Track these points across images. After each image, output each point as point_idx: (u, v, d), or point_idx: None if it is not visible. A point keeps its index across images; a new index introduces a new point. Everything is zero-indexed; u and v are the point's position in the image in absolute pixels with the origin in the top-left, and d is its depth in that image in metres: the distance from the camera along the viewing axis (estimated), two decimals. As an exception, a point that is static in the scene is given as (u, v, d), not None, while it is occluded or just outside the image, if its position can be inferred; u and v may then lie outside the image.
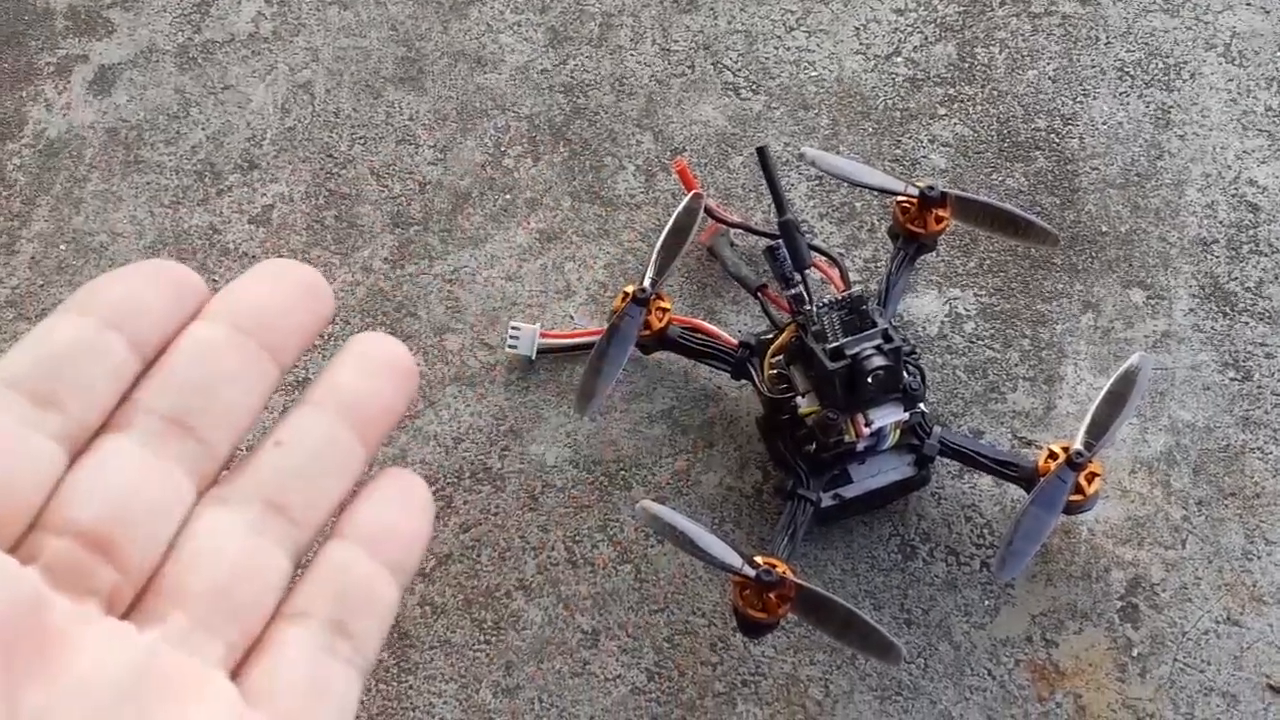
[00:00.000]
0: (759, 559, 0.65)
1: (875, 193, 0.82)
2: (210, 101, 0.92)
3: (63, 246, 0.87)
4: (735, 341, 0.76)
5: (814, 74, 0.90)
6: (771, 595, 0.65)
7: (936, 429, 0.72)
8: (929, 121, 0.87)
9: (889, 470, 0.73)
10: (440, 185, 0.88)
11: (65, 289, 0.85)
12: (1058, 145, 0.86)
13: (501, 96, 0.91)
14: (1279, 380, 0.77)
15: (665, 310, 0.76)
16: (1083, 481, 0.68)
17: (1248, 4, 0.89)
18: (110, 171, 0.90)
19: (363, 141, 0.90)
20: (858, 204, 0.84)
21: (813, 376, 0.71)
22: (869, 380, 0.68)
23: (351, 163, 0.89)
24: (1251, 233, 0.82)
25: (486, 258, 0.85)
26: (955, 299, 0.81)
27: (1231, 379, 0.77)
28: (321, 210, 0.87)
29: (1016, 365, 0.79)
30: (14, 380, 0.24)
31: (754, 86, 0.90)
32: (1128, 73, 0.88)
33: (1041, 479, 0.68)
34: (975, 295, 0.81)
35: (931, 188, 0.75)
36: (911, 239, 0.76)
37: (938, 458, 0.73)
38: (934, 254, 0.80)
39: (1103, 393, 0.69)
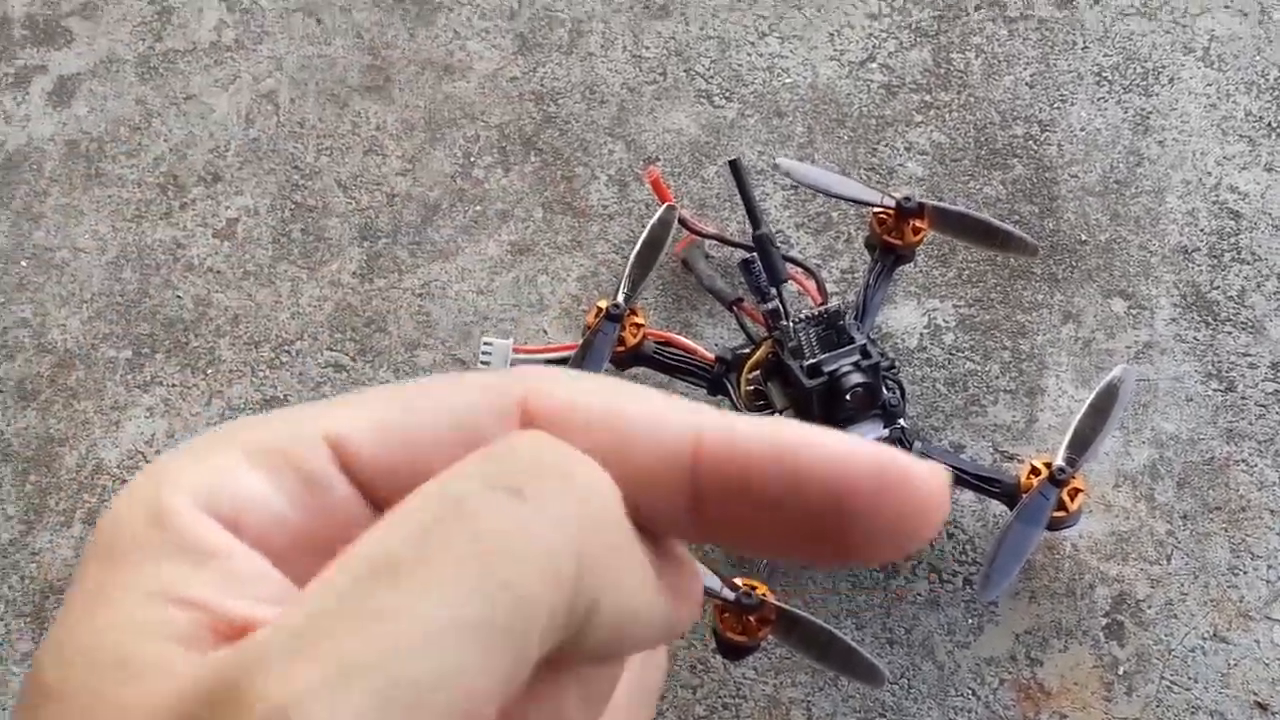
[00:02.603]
0: (739, 581, 0.64)
1: (852, 204, 0.81)
2: (172, 112, 0.90)
3: (24, 263, 0.85)
4: (712, 356, 0.75)
5: (788, 81, 0.88)
6: (751, 618, 0.64)
7: (917, 444, 0.71)
8: (905, 129, 0.86)
9: (869, 487, 0.71)
10: (409, 197, 0.86)
11: (27, 306, 0.83)
12: (1036, 152, 0.85)
13: (470, 105, 0.89)
14: (1263, 391, 0.76)
15: (640, 325, 0.75)
16: (1066, 497, 0.67)
17: (1226, 7, 0.89)
18: (71, 185, 0.88)
19: (329, 152, 0.88)
20: (834, 214, 0.83)
21: (790, 393, 0.70)
22: (847, 398, 0.67)
23: (318, 174, 0.87)
24: (1233, 240, 0.81)
25: (457, 271, 0.83)
26: (934, 310, 0.80)
27: (1215, 390, 0.77)
28: (287, 223, 0.85)
29: (997, 378, 0.78)
30: None
31: (727, 94, 0.88)
32: (1106, 78, 0.87)
33: (1024, 496, 0.67)
34: (954, 306, 0.80)
35: (908, 198, 0.73)
36: (889, 250, 0.75)
37: (919, 474, 0.71)
38: (912, 265, 0.79)
39: (1085, 406, 0.68)
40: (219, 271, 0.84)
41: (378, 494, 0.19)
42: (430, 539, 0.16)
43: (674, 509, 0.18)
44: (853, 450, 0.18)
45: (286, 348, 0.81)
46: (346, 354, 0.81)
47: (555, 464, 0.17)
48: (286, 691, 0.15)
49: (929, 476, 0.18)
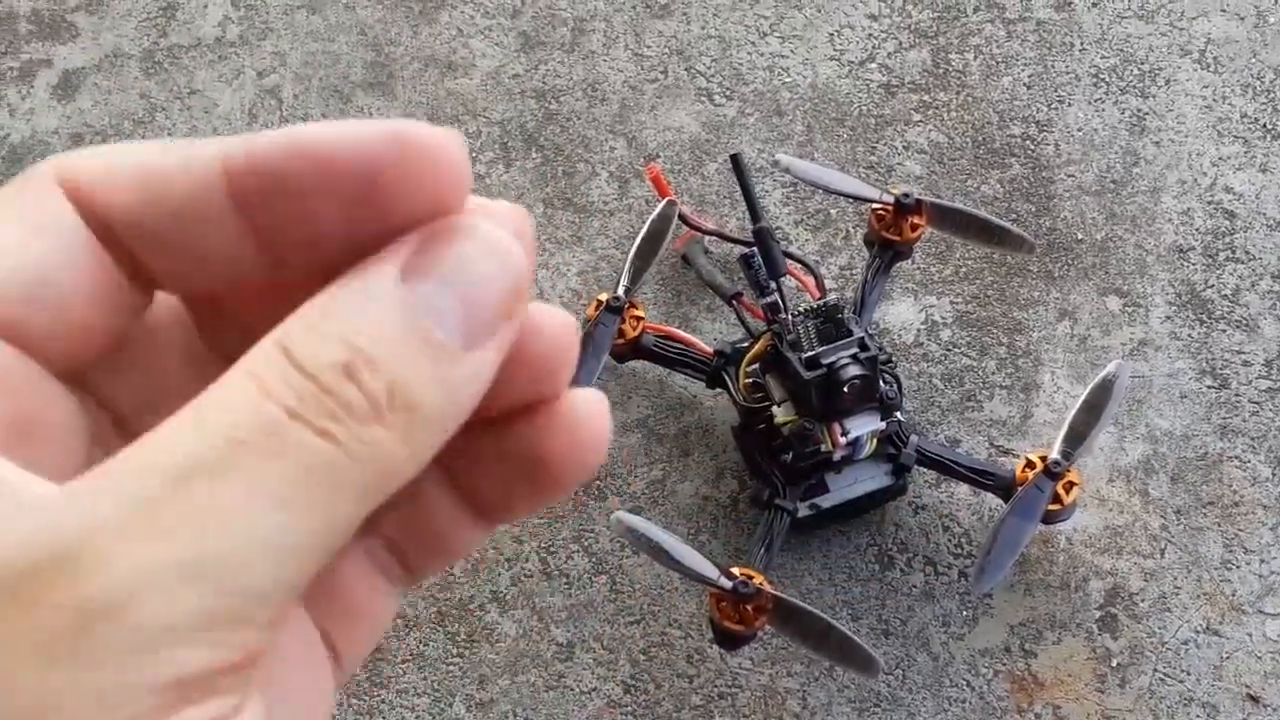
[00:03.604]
0: (735, 570, 0.64)
1: (851, 200, 0.81)
2: (176, 106, 0.91)
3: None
4: (710, 350, 0.75)
5: (788, 80, 0.89)
6: (748, 607, 0.64)
7: (913, 438, 0.72)
8: (904, 128, 0.87)
9: (866, 480, 0.72)
10: (411, 192, 0.86)
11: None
12: (1033, 152, 0.85)
13: (473, 102, 0.89)
14: (1256, 388, 0.77)
15: (639, 318, 0.75)
16: (1061, 491, 0.67)
17: (1222, 10, 0.89)
18: (74, 178, 0.88)
19: (332, 147, 0.88)
20: (833, 211, 0.84)
21: (789, 385, 0.70)
22: (845, 390, 0.67)
23: (321, 169, 0.87)
24: (1228, 240, 0.82)
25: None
26: (931, 307, 0.81)
27: (1209, 387, 0.77)
28: (290, 217, 0.86)
29: (993, 373, 0.78)
30: None
31: (728, 92, 0.89)
32: (1103, 79, 0.88)
33: (1019, 488, 0.68)
34: (951, 303, 0.81)
35: (907, 195, 0.74)
36: (887, 246, 0.76)
37: (915, 467, 0.72)
38: (910, 261, 0.80)
39: (1080, 401, 0.68)
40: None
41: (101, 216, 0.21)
42: (246, 453, 0.18)
43: (224, 233, 0.20)
44: (368, 126, 0.19)
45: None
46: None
47: (362, 399, 0.19)
48: (123, 575, 0.17)
49: (442, 134, 0.19)
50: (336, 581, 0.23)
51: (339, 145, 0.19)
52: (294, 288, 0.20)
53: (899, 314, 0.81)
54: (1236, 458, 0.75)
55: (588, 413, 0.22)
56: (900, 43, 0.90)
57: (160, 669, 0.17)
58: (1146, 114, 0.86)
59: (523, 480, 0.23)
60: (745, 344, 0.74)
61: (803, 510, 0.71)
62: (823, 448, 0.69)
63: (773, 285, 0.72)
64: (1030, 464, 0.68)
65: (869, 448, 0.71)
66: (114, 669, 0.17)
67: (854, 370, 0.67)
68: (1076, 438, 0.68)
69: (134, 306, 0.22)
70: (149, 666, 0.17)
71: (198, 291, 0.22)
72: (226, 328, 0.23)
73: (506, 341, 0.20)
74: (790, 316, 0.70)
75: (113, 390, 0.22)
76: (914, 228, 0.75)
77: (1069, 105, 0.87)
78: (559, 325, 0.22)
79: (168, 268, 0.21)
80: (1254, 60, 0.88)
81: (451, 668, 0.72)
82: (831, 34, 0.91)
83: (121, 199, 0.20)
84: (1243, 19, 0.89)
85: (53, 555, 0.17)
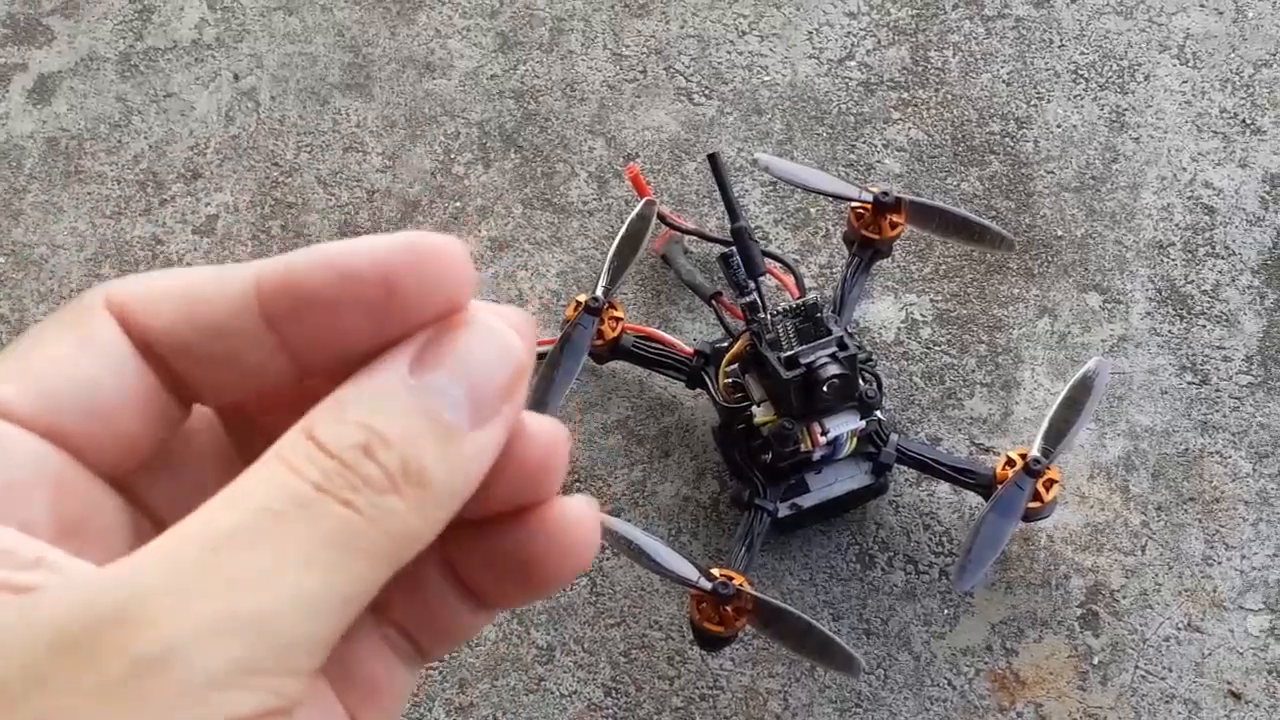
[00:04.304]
0: (716, 571, 0.64)
1: (830, 199, 0.81)
2: (153, 110, 0.90)
3: (2, 259, 0.85)
4: (690, 350, 0.75)
5: (767, 79, 0.89)
6: (728, 608, 0.64)
7: (894, 437, 0.72)
8: (883, 126, 0.87)
9: (846, 479, 0.72)
10: (389, 193, 0.86)
11: (5, 302, 0.83)
12: (1012, 149, 0.85)
13: (451, 103, 0.89)
14: (1236, 384, 0.77)
15: (619, 319, 0.75)
16: (1041, 488, 0.67)
17: (1201, 6, 0.89)
18: (50, 182, 0.88)
19: (309, 149, 0.88)
20: (813, 209, 0.84)
21: (768, 385, 0.70)
22: (824, 389, 0.67)
23: (298, 171, 0.87)
24: (1208, 235, 0.82)
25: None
26: (911, 305, 0.80)
27: (1189, 383, 0.77)
28: (267, 220, 0.86)
29: (973, 371, 0.78)
30: None
31: (707, 91, 0.89)
32: (1082, 75, 0.88)
33: (1000, 486, 0.67)
34: (931, 301, 0.80)
35: (886, 193, 0.74)
36: (866, 245, 0.76)
37: (895, 466, 0.72)
38: (889, 259, 0.79)
39: (1060, 398, 0.68)
40: (199, 267, 0.84)
41: (154, 346, 0.23)
42: (277, 523, 0.20)
43: (257, 347, 0.22)
44: (384, 239, 0.22)
45: (266, 343, 0.81)
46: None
47: (380, 475, 0.21)
48: (173, 629, 0.19)
49: (442, 239, 0.22)
50: (356, 662, 0.25)
51: (360, 258, 0.22)
52: (318, 392, 0.22)
53: (879, 312, 0.80)
54: (1217, 453, 0.75)
55: (576, 519, 0.24)
56: (879, 40, 0.90)
57: (209, 712, 0.19)
58: (1126, 110, 0.86)
59: (513, 578, 0.25)
60: (725, 344, 0.74)
61: (783, 510, 0.71)
62: (802, 447, 0.69)
63: (752, 285, 0.72)
64: (1010, 462, 0.68)
65: (849, 447, 0.71)
66: (167, 712, 0.19)
67: (833, 369, 0.67)
68: (1057, 435, 0.68)
69: (174, 419, 0.24)
70: (199, 710, 0.19)
71: (231, 402, 0.25)
72: (256, 434, 0.25)
73: (509, 421, 0.22)
74: (769, 316, 0.70)
75: (153, 494, 0.25)
76: (893, 226, 0.75)
77: (1048, 102, 0.87)
78: (550, 432, 0.24)
79: (205, 381, 0.23)
80: (1233, 55, 0.88)
81: (431, 672, 0.71)
82: (810, 32, 0.90)
83: (164, 321, 0.23)
84: (1221, 14, 0.89)
85: (107, 614, 0.19)
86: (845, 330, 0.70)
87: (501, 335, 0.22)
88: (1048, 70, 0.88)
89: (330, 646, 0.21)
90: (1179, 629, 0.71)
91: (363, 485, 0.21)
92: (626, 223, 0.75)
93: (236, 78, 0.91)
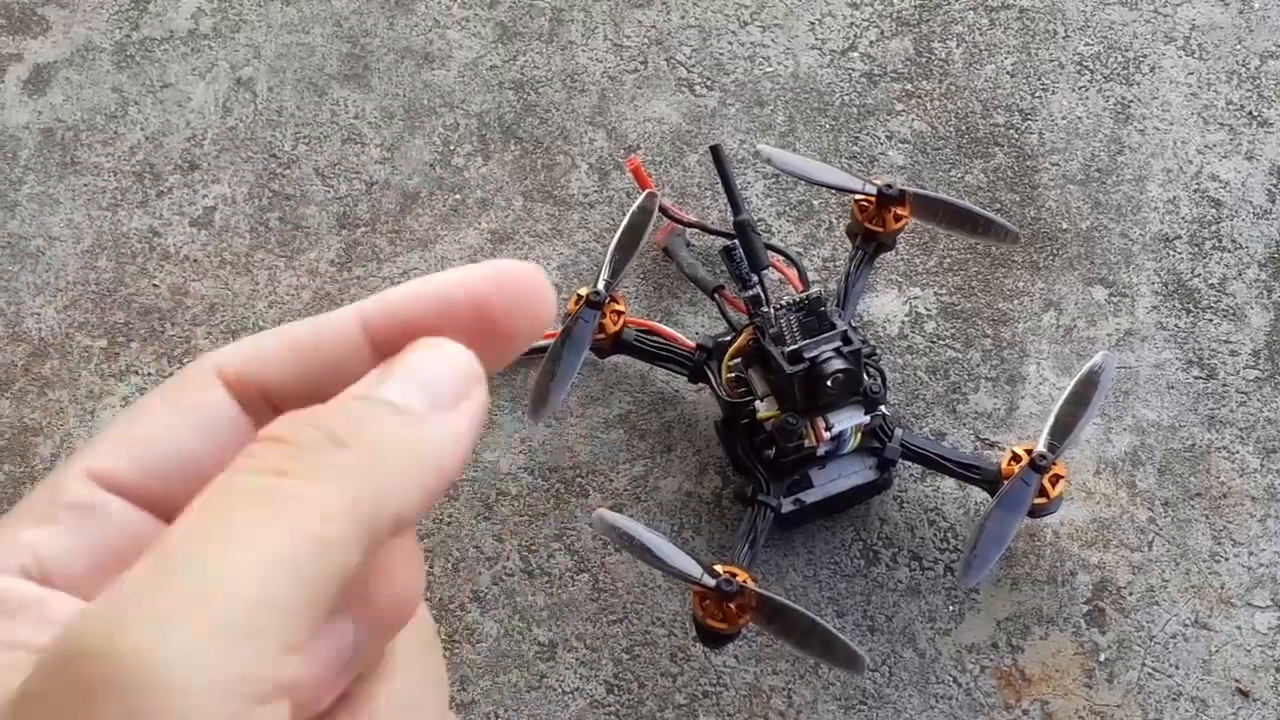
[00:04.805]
0: (719, 568, 0.63)
1: (833, 191, 0.81)
2: (149, 100, 0.89)
3: (-4, 252, 0.84)
4: (692, 344, 0.74)
5: (769, 70, 0.88)
6: (732, 605, 0.63)
7: (898, 431, 0.71)
8: (886, 118, 0.86)
9: (850, 474, 0.71)
10: (388, 185, 0.85)
11: (1, 294, 0.83)
12: (1017, 141, 0.84)
13: (450, 94, 0.88)
14: (1244, 379, 0.76)
15: (620, 313, 0.74)
16: (1047, 484, 0.67)
17: (1206, -3, 0.89)
18: (46, 173, 0.87)
19: (307, 141, 0.87)
20: (815, 202, 0.83)
21: (771, 380, 0.69)
22: (829, 384, 0.66)
23: (296, 163, 0.86)
24: (1214, 228, 0.81)
25: (436, 259, 0.82)
26: (915, 298, 0.80)
27: (1196, 377, 0.76)
28: (265, 212, 0.85)
29: (978, 365, 0.78)
30: None
31: (708, 83, 0.88)
32: (1087, 67, 0.87)
33: (1005, 482, 0.67)
34: (936, 294, 0.80)
35: (890, 185, 0.73)
36: (870, 238, 0.75)
37: (900, 461, 0.71)
38: (893, 253, 0.79)
39: (1066, 393, 0.68)
40: (195, 260, 0.83)
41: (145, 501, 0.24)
42: (219, 518, 0.20)
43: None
44: (474, 269, 0.24)
45: (264, 336, 0.81)
46: (325, 342, 0.80)
47: (316, 438, 0.21)
48: (145, 633, 0.19)
49: (526, 267, 0.24)
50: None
51: (455, 287, 0.24)
52: None
53: (883, 306, 0.80)
54: (1224, 448, 0.74)
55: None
56: (882, 31, 0.89)
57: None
58: (1131, 102, 0.85)
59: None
60: (728, 338, 0.73)
61: (787, 506, 0.70)
62: (806, 442, 0.68)
63: (755, 278, 0.71)
64: (1016, 457, 0.68)
65: (853, 442, 0.70)
66: None
67: (837, 364, 0.66)
68: (1063, 430, 0.67)
69: None
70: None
71: None
72: None
73: (472, 417, 0.23)
74: (773, 310, 0.69)
75: None
76: (897, 218, 0.74)
77: (1053, 93, 0.86)
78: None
79: None
80: (1239, 46, 0.87)
81: (432, 669, 0.71)
82: (813, 22, 0.89)
83: (279, 377, 0.24)
84: (1227, 4, 0.88)
85: (86, 642, 0.19)
86: (849, 324, 0.69)
87: (446, 346, 0.24)
88: (1052, 62, 0.87)
89: (322, 607, 0.20)
90: (1186, 626, 0.70)
91: (300, 451, 0.21)
92: (628, 215, 0.75)
93: (234, 68, 0.90)
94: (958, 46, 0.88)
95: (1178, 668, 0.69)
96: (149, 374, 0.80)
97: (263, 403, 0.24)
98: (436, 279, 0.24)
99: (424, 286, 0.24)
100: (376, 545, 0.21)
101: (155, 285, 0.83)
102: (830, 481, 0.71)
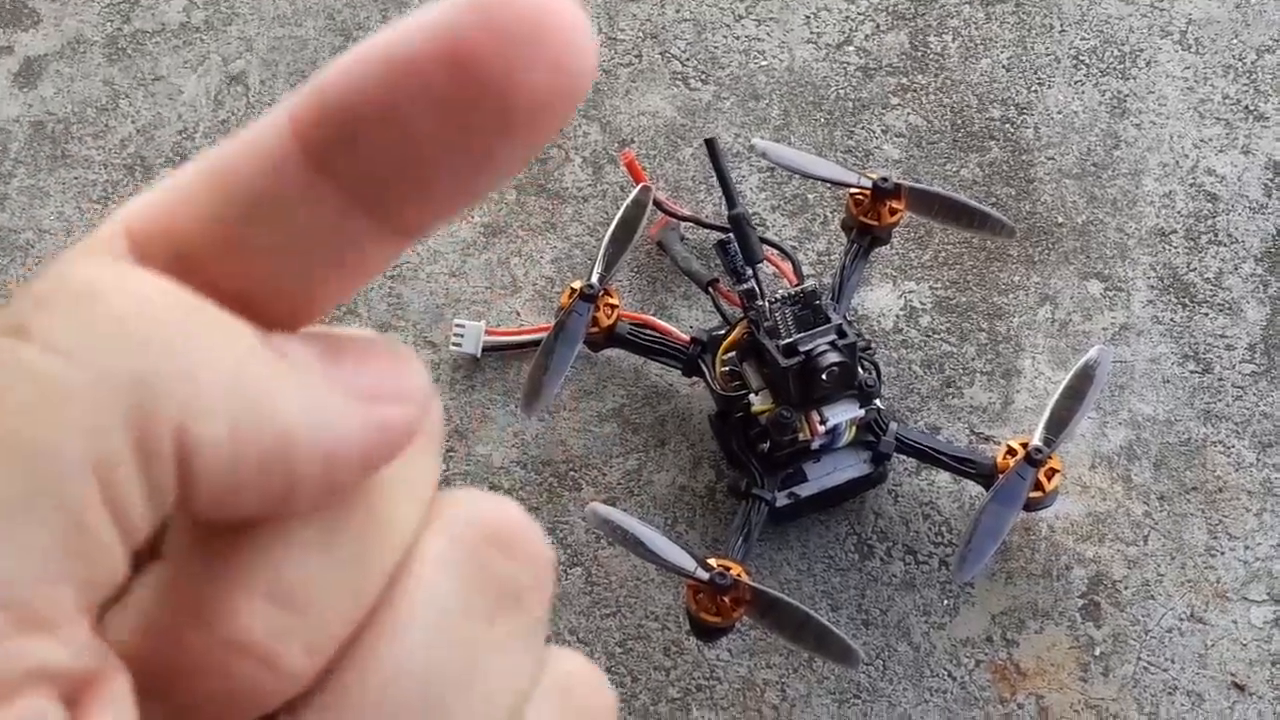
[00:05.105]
0: (712, 561, 0.63)
1: (828, 185, 0.80)
2: (140, 93, 0.89)
3: (-14, 245, 0.84)
4: (686, 338, 0.74)
5: (764, 63, 0.88)
6: (725, 599, 0.63)
7: (893, 425, 0.71)
8: (881, 112, 0.85)
9: (845, 468, 0.71)
10: (381, 179, 0.85)
11: (-10, 289, 0.82)
12: (1012, 135, 0.84)
13: (444, 87, 0.88)
14: (1240, 373, 0.76)
15: (614, 306, 0.74)
16: (1042, 478, 0.66)
17: (1202, -9, 0.88)
18: (36, 166, 0.86)
19: (300, 134, 0.87)
20: (810, 196, 0.83)
21: (766, 373, 0.69)
22: (823, 377, 0.66)
23: (288, 156, 0.86)
24: (1210, 222, 0.81)
25: (429, 253, 0.82)
26: (910, 292, 0.79)
27: (1191, 371, 0.76)
28: (257, 205, 0.84)
29: (973, 359, 0.77)
30: None
31: (703, 76, 0.87)
32: (1083, 61, 0.87)
33: (1000, 476, 0.67)
34: (931, 288, 0.79)
35: (885, 179, 0.73)
36: (865, 231, 0.75)
37: (894, 455, 0.71)
38: (888, 247, 0.78)
39: (1061, 387, 0.67)
40: (187, 253, 0.83)
41: None
42: None
43: (314, 203, 0.16)
44: (440, 4, 0.16)
45: (256, 330, 0.80)
46: (317, 336, 0.80)
47: (71, 285, 0.15)
48: None
49: None
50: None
51: (408, 36, 0.16)
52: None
53: (878, 300, 0.79)
54: (1220, 443, 0.74)
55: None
56: (878, 25, 0.89)
57: None
58: (1127, 96, 0.85)
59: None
60: (722, 332, 0.73)
61: (781, 499, 0.70)
62: (800, 436, 0.68)
63: (749, 272, 0.71)
64: (1011, 451, 0.67)
65: (848, 436, 0.70)
66: None
67: (832, 357, 0.66)
68: (1058, 424, 0.67)
69: None
70: None
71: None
72: None
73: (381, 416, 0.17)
74: (767, 303, 0.69)
75: None
76: (892, 212, 0.74)
77: (1049, 87, 0.86)
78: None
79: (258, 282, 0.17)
80: (1235, 41, 0.87)
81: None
82: (808, 16, 0.89)
83: (194, 219, 0.17)
84: (1223, -1, 0.88)
85: None
86: (844, 318, 0.69)
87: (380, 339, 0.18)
88: (1048, 55, 0.87)
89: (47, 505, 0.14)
90: (1182, 620, 0.70)
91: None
92: (622, 209, 0.74)
93: (226, 61, 0.90)
94: (953, 40, 0.88)
95: (1173, 662, 0.69)
96: (140, 367, 0.79)
97: (178, 264, 0.17)
98: (382, 34, 0.16)
99: (367, 49, 0.16)
100: (151, 461, 0.15)
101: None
102: (825, 475, 0.71)
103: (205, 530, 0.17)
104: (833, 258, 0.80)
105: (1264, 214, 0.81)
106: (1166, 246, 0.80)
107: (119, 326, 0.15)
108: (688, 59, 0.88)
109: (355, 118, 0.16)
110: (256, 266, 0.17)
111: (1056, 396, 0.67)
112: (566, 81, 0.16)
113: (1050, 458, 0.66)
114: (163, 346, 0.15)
